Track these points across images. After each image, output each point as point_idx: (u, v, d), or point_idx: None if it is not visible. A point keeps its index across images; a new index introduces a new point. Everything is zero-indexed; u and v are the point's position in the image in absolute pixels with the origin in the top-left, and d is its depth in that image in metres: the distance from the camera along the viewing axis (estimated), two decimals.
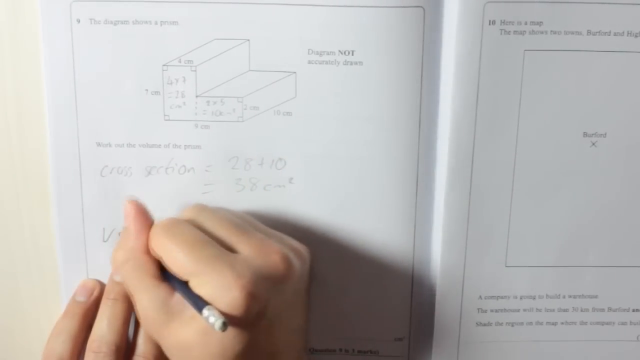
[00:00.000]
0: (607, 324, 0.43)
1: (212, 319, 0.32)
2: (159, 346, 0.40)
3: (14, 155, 0.41)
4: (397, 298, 0.42)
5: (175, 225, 0.36)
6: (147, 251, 0.37)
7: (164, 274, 0.36)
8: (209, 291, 0.34)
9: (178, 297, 0.35)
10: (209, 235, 0.36)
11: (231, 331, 0.34)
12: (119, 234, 0.41)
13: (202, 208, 0.38)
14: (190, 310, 0.34)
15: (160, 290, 0.35)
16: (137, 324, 0.41)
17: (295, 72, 0.39)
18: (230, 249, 0.36)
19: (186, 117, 0.40)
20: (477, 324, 0.43)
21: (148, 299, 0.35)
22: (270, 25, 0.39)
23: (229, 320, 0.33)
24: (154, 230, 0.37)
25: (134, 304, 0.37)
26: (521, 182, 0.41)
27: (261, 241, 0.36)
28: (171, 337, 0.35)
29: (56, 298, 0.42)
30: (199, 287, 0.34)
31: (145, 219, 0.37)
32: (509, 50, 0.39)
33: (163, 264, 0.36)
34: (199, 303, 0.33)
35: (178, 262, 0.35)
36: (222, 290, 0.33)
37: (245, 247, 0.35)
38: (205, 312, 0.33)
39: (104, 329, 0.39)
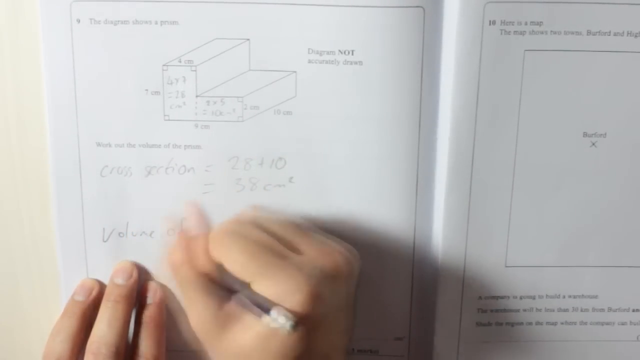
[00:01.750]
0: (607, 324, 0.43)
1: (281, 320, 0.32)
2: (159, 347, 0.40)
3: (14, 155, 0.41)
4: (397, 297, 0.42)
5: (238, 228, 0.36)
6: (206, 255, 0.36)
7: (221, 280, 0.36)
8: (275, 293, 0.33)
9: (232, 305, 0.35)
10: (270, 236, 0.36)
11: (292, 334, 0.33)
12: (119, 234, 0.41)
13: (261, 210, 0.38)
14: (247, 316, 0.34)
15: (216, 296, 0.35)
16: (137, 325, 0.41)
17: (295, 72, 0.39)
18: (293, 250, 0.35)
19: (186, 117, 0.40)
20: (477, 324, 0.43)
21: (204, 303, 0.35)
22: (270, 25, 0.39)
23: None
24: (216, 234, 0.36)
25: (186, 310, 0.36)
26: (521, 182, 0.41)
27: (323, 242, 0.36)
28: (228, 344, 0.34)
29: (56, 298, 0.42)
30: (264, 290, 0.34)
31: (205, 222, 0.37)
32: (509, 50, 0.39)
33: (224, 267, 0.35)
34: (265, 305, 0.33)
35: (242, 264, 0.34)
36: (289, 292, 0.33)
37: (308, 249, 0.35)
38: (274, 313, 0.32)
39: (104, 330, 0.39)
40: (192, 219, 0.37)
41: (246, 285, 0.35)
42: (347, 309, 0.37)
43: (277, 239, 0.36)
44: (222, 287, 0.36)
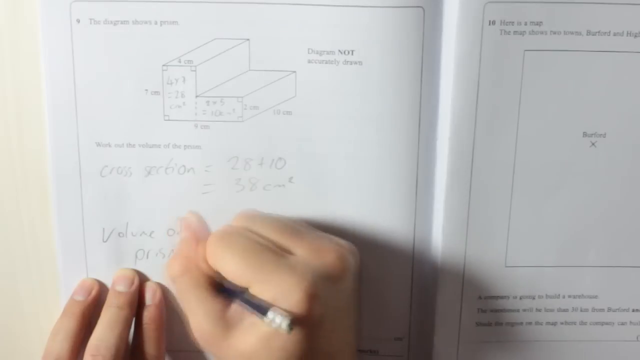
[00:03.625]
0: (607, 324, 0.43)
1: (278, 320, 0.32)
2: (159, 348, 0.41)
3: (14, 155, 0.41)
4: (397, 297, 0.42)
5: (231, 234, 0.36)
6: (205, 263, 0.36)
7: (219, 286, 0.36)
8: (271, 296, 0.34)
9: (234, 309, 0.35)
10: (263, 240, 0.36)
11: (294, 334, 0.33)
12: (119, 234, 0.41)
13: (253, 214, 0.38)
14: (249, 318, 0.34)
15: (216, 302, 0.35)
16: (136, 326, 0.41)
17: (295, 72, 0.39)
18: (286, 252, 0.36)
19: (186, 117, 0.40)
20: (477, 324, 0.43)
21: (205, 312, 0.35)
22: (270, 25, 0.39)
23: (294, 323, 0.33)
24: (210, 241, 0.36)
25: (188, 318, 0.36)
26: (521, 182, 0.41)
27: (316, 241, 0.36)
28: (231, 349, 0.34)
29: (56, 298, 0.42)
30: (261, 293, 0.34)
31: (205, 231, 0.37)
32: (509, 50, 0.39)
33: (221, 274, 0.36)
34: (262, 307, 0.33)
35: (237, 270, 0.35)
36: (285, 294, 0.33)
37: (301, 249, 0.35)
38: (271, 314, 0.32)
39: (104, 333, 0.39)
40: (191, 228, 0.37)
41: (245, 290, 0.35)
42: (350, 305, 0.37)
43: (270, 242, 0.36)
44: (223, 292, 0.36)
